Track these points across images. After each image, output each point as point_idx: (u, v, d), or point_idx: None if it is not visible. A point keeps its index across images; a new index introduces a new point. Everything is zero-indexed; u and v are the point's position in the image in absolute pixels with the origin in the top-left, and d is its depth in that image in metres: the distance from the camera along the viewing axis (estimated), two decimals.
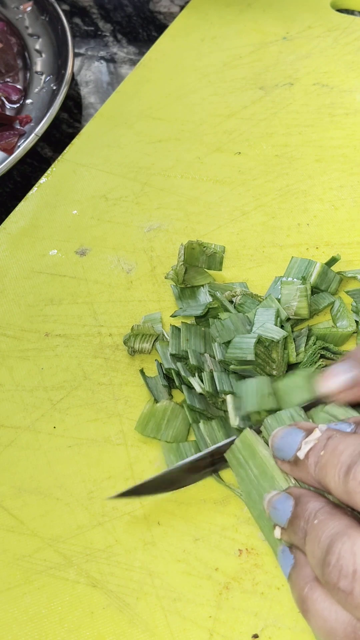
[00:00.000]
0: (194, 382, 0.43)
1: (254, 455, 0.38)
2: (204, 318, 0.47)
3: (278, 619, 0.36)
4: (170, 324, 0.47)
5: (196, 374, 0.43)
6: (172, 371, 0.44)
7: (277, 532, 0.35)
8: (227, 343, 0.44)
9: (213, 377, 0.43)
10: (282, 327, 0.45)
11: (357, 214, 0.53)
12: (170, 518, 0.40)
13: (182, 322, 0.47)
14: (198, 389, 0.42)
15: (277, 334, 0.43)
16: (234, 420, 0.41)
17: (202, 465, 0.40)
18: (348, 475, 0.30)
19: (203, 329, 0.46)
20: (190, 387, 0.43)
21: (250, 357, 0.42)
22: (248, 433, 0.39)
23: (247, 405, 0.41)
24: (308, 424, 0.36)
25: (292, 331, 0.45)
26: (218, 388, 0.42)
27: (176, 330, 0.46)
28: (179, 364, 0.44)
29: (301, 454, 0.34)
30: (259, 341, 0.43)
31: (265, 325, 0.44)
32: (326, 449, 0.33)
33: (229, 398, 0.42)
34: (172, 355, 0.45)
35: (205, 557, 0.38)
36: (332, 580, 0.29)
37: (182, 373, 0.44)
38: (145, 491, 0.39)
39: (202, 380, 0.43)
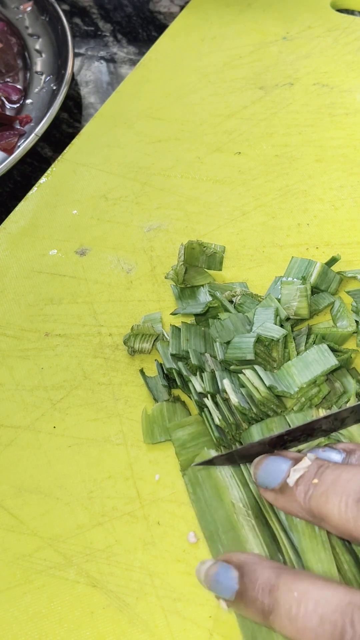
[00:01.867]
0: (195, 381, 0.43)
1: (210, 475, 0.39)
2: (204, 317, 0.47)
3: None
4: (170, 324, 0.47)
5: (198, 374, 0.43)
6: (174, 371, 0.44)
7: (224, 605, 0.33)
8: (228, 343, 0.44)
9: (214, 376, 0.43)
10: (281, 326, 0.45)
11: (357, 214, 0.53)
12: (170, 518, 0.39)
13: (182, 322, 0.47)
14: (199, 389, 0.42)
15: (277, 332, 0.43)
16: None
17: (287, 440, 0.38)
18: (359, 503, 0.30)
19: (203, 328, 0.46)
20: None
21: (250, 356, 0.42)
22: (205, 453, 0.40)
23: None
24: (294, 453, 0.36)
25: (292, 330, 0.45)
26: (220, 388, 0.42)
27: (176, 330, 0.46)
28: (180, 364, 0.44)
29: (291, 481, 0.34)
30: (259, 340, 0.43)
31: (265, 324, 0.44)
32: (322, 479, 0.32)
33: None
34: (172, 355, 0.45)
35: (205, 557, 0.38)
36: None
37: (184, 372, 0.43)
38: (224, 462, 0.39)
39: (202, 380, 0.43)
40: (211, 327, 0.46)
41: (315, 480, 0.32)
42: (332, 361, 0.42)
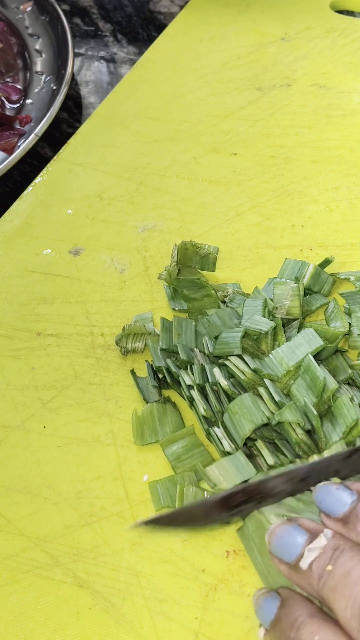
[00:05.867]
0: (185, 375, 0.43)
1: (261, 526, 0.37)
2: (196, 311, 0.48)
3: None
4: (161, 317, 0.47)
5: (188, 368, 0.43)
6: (163, 369, 0.44)
7: (261, 633, 0.33)
8: (216, 338, 0.44)
9: (204, 369, 0.43)
10: (271, 319, 0.44)
11: (352, 215, 0.53)
12: None
13: (174, 315, 0.47)
14: (188, 382, 0.42)
15: (264, 325, 0.43)
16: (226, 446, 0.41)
17: (235, 501, 0.36)
18: None
19: (194, 323, 0.46)
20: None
21: (237, 351, 0.42)
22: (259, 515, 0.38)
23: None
24: (312, 523, 0.34)
25: (284, 326, 0.45)
26: (210, 380, 0.42)
27: (167, 323, 0.46)
28: (168, 361, 0.44)
29: (304, 564, 0.32)
30: (247, 335, 0.43)
31: (254, 317, 0.44)
32: (335, 567, 0.31)
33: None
34: (162, 350, 0.45)
35: (192, 558, 0.38)
36: None
37: (173, 369, 0.43)
38: (170, 523, 0.35)
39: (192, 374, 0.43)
40: (198, 323, 0.46)
41: (329, 567, 0.31)
42: (318, 342, 0.42)
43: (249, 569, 0.37)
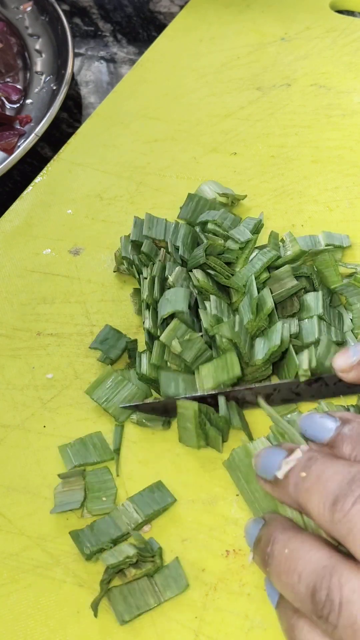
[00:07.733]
0: (146, 271, 0.47)
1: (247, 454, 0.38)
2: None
3: (264, 620, 0.36)
4: (135, 216, 0.52)
5: (151, 264, 0.48)
6: (126, 260, 0.49)
7: (250, 557, 0.34)
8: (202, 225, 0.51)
9: (164, 267, 0.47)
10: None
11: (352, 215, 0.53)
12: (159, 518, 0.40)
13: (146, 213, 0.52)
14: (145, 275, 0.47)
15: (244, 236, 0.48)
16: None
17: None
18: (335, 505, 0.30)
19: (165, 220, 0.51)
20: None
21: (202, 260, 0.46)
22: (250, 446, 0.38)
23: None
24: (293, 445, 0.35)
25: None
26: (167, 275, 0.46)
27: (139, 220, 0.51)
28: (134, 256, 0.49)
29: (280, 474, 0.33)
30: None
31: (240, 227, 0.49)
32: (309, 473, 0.32)
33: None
34: (132, 242, 0.50)
35: (192, 557, 0.38)
36: (322, 614, 0.29)
37: (136, 262, 0.48)
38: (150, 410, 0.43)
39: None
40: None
41: (303, 474, 0.32)
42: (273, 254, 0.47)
43: (249, 569, 0.37)
